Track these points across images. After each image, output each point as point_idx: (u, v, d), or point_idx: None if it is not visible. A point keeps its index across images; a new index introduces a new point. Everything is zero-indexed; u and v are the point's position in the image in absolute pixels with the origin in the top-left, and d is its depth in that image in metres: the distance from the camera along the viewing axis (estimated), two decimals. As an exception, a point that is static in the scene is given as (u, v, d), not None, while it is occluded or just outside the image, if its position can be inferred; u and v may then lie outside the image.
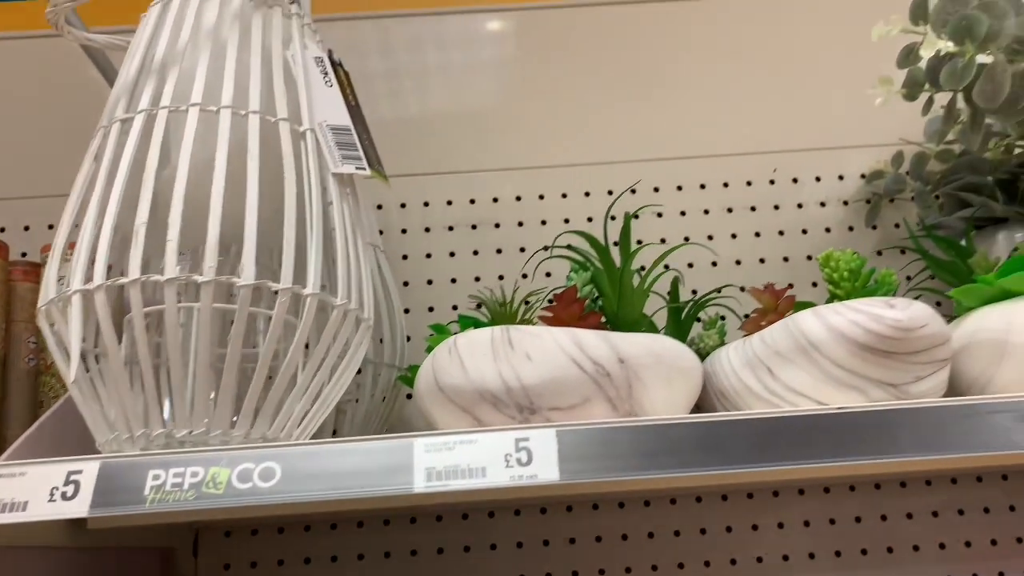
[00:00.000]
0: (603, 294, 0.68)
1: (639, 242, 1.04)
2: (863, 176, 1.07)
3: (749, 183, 1.08)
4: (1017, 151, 0.90)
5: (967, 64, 0.66)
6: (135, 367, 0.58)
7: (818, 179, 1.08)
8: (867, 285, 0.69)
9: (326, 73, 0.67)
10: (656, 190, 1.07)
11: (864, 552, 0.94)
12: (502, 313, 0.63)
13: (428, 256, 1.04)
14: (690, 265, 1.04)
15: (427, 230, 1.05)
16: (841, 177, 1.08)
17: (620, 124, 1.10)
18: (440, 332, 0.67)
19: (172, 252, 0.53)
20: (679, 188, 1.08)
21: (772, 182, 1.08)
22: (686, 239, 1.05)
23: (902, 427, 0.52)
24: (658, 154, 1.09)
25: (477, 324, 0.65)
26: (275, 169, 0.59)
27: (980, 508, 0.96)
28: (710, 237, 1.06)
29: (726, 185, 1.08)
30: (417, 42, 1.12)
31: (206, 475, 0.51)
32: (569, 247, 0.73)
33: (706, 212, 1.07)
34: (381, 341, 0.81)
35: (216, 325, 0.63)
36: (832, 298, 0.67)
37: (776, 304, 0.67)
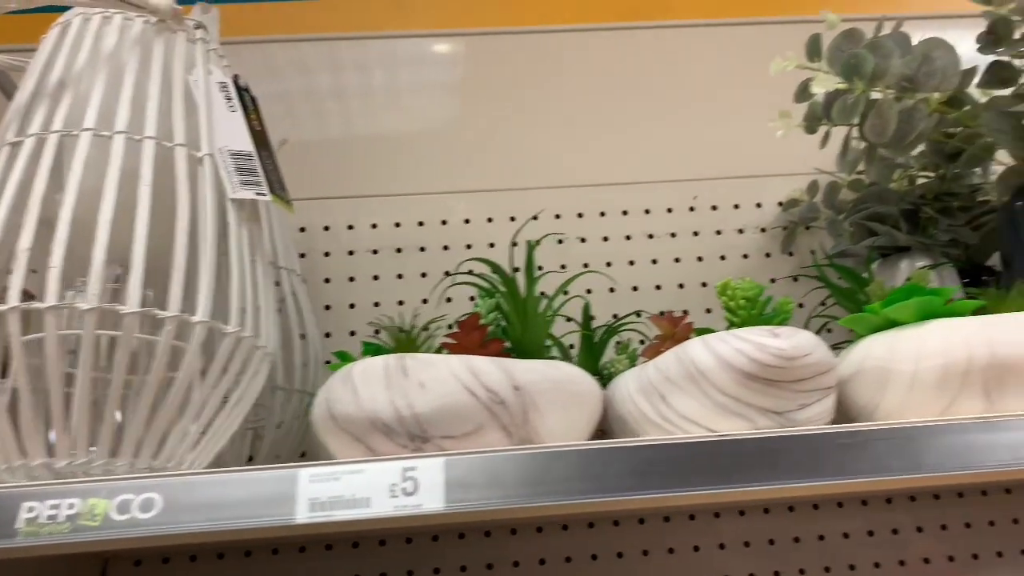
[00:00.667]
0: (508, 320, 0.69)
1: (563, 267, 1.05)
2: (780, 204, 1.09)
3: (670, 210, 1.10)
4: (920, 182, 0.93)
5: (856, 100, 0.68)
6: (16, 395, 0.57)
7: (736, 207, 1.11)
8: (763, 313, 0.71)
9: (230, 98, 0.67)
10: (580, 216, 1.09)
11: (802, 572, 0.95)
12: (402, 340, 0.63)
13: (351, 279, 1.03)
14: (611, 290, 1.06)
15: (351, 253, 1.05)
16: (759, 205, 1.11)
17: (548, 150, 1.12)
18: (344, 359, 0.66)
19: (54, 279, 0.52)
20: (602, 214, 1.09)
21: (692, 209, 1.10)
22: (608, 264, 1.07)
23: (781, 454, 0.54)
24: (583, 180, 1.10)
25: (380, 351, 0.65)
26: (172, 195, 0.59)
27: (913, 528, 0.99)
28: (631, 263, 1.07)
29: (648, 212, 1.10)
30: (338, 65, 1.13)
31: (83, 507, 0.50)
32: (471, 272, 0.74)
33: (628, 238, 1.08)
34: (288, 366, 0.80)
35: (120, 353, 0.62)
36: (730, 326, 0.69)
37: (674, 331, 0.68)
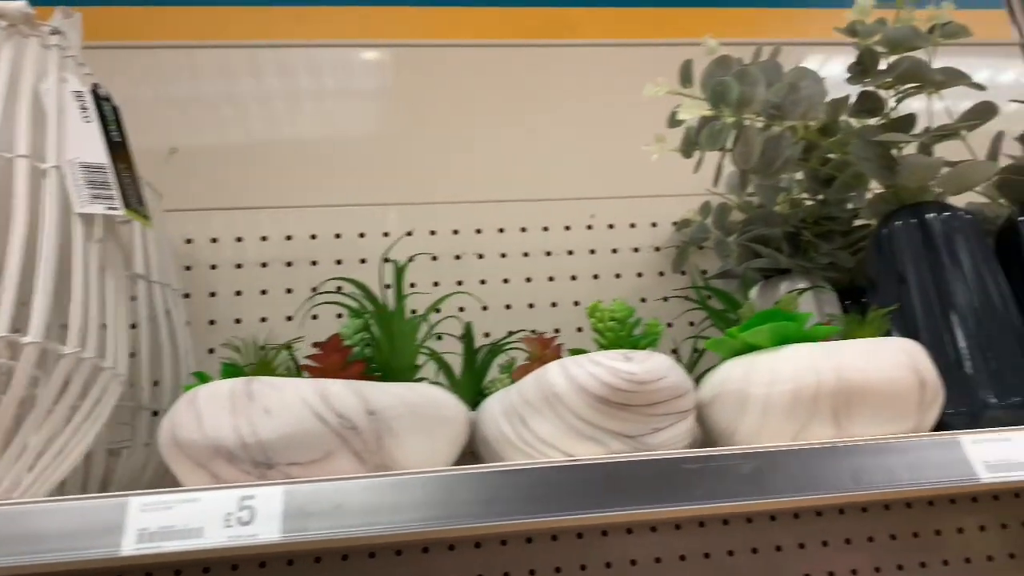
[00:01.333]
0: (376, 341, 0.68)
1: (459, 283, 1.05)
2: (675, 224, 1.11)
3: (568, 228, 1.10)
4: (805, 206, 0.95)
5: (722, 127, 0.70)
6: None
7: (633, 226, 1.12)
8: (632, 334, 0.71)
9: (85, 108, 0.64)
10: (478, 232, 1.08)
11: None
12: (258, 361, 0.62)
13: (238, 294, 1.01)
14: (508, 307, 1.05)
15: (239, 266, 1.02)
16: (654, 224, 1.12)
17: (446, 165, 1.11)
18: (202, 379, 0.64)
19: None
20: (501, 231, 1.09)
21: (590, 227, 1.11)
22: (505, 281, 1.07)
23: (628, 479, 0.54)
24: (482, 196, 1.10)
25: (237, 372, 0.63)
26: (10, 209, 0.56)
27: (842, 539, 1.01)
28: (528, 280, 1.07)
29: (546, 229, 1.10)
30: (230, 72, 1.10)
31: None
32: (339, 290, 0.72)
33: (526, 255, 1.08)
34: (157, 384, 0.77)
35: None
36: (599, 348, 0.69)
37: (544, 352, 0.68)
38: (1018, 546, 1.06)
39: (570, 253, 1.09)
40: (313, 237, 1.05)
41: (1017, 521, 1.08)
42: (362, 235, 1.06)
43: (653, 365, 0.58)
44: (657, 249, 1.11)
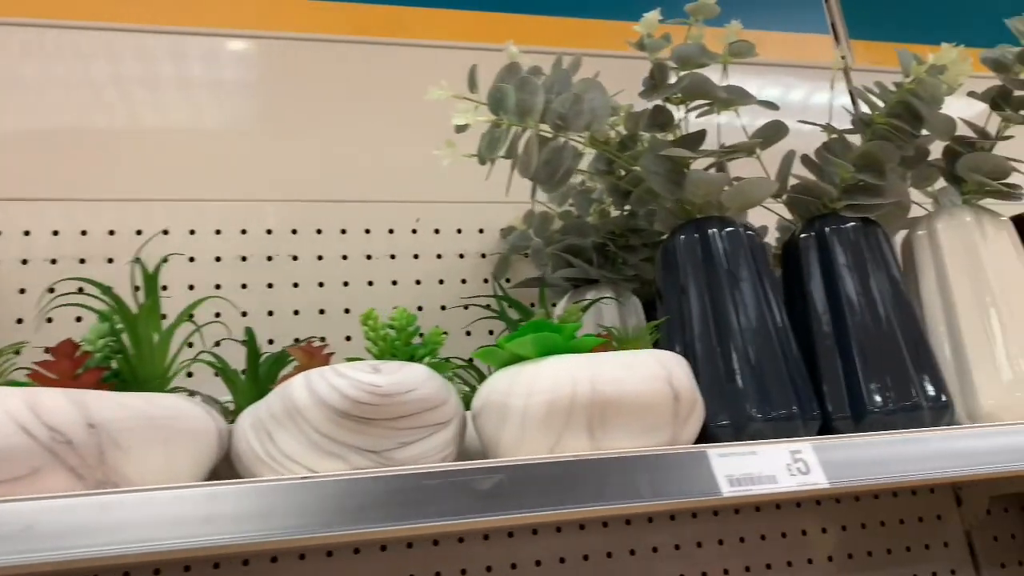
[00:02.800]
0: (123, 348, 0.63)
1: (270, 285, 1.00)
2: (502, 231, 1.10)
3: (392, 231, 1.08)
4: (614, 216, 0.96)
5: (500, 135, 0.69)
6: None
7: (459, 231, 1.10)
8: (410, 343, 0.69)
9: None
10: (294, 232, 1.04)
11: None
12: (-25, 369, 0.56)
13: (22, 291, 0.93)
14: (321, 311, 1.02)
15: (24, 262, 0.94)
16: (481, 231, 1.11)
17: (266, 162, 1.06)
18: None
19: None
20: (319, 232, 1.05)
21: (415, 232, 1.09)
22: (320, 284, 1.03)
23: (362, 495, 0.52)
24: (301, 195, 1.06)
25: (-44, 380, 0.57)
26: None
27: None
28: (345, 283, 1.04)
29: (368, 232, 1.07)
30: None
31: None
32: (80, 291, 0.67)
33: (344, 258, 1.05)
34: None
35: None
36: (373, 357, 0.67)
37: (310, 362, 0.65)
38: (856, 547, 1.11)
39: (392, 257, 1.07)
40: (111, 233, 0.98)
41: (857, 523, 1.13)
42: (166, 232, 1.00)
43: (401, 377, 0.56)
44: (483, 256, 1.10)
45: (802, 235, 0.81)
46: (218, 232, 1.02)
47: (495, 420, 0.62)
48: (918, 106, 0.77)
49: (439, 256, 1.09)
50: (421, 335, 0.70)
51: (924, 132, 0.85)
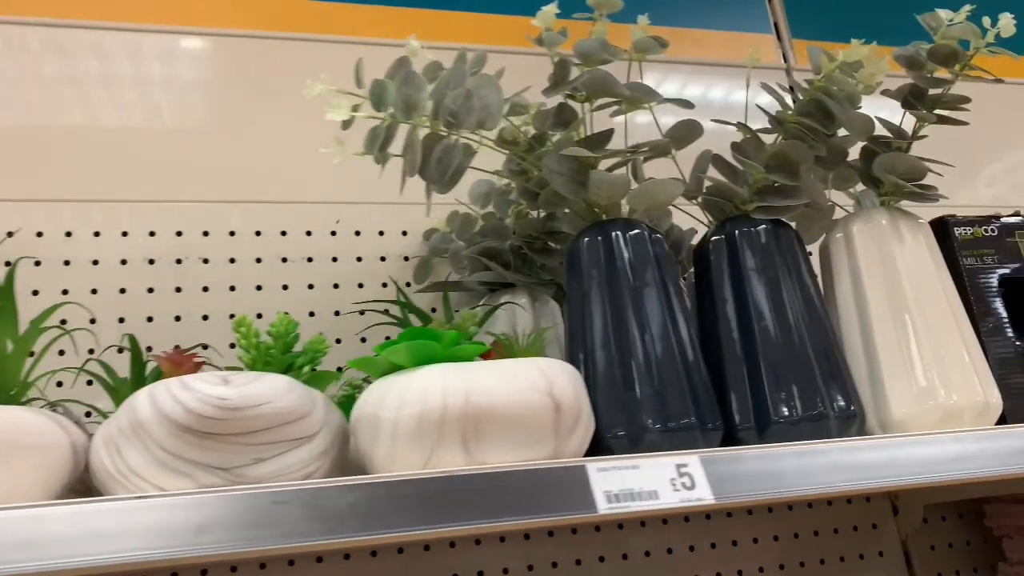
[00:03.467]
0: (-28, 357, 0.59)
1: (178, 289, 0.96)
2: (424, 233, 1.07)
3: (309, 233, 1.04)
4: (532, 218, 0.93)
5: (381, 131, 0.66)
6: None
7: (381, 233, 1.07)
8: (289, 351, 0.66)
9: None
10: (206, 234, 1.00)
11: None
12: None
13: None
14: (231, 316, 0.98)
15: (-77, 266, 0.90)
16: (405, 232, 1.08)
17: (180, 160, 1.03)
18: None
19: None
20: (231, 234, 1.01)
21: (334, 233, 1.05)
22: (232, 288, 0.99)
23: (213, 516, 0.48)
24: (215, 196, 1.02)
25: None
26: None
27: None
28: (259, 287, 1.00)
29: (284, 234, 1.03)
30: None
31: None
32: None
33: (259, 261, 1.01)
34: None
35: None
36: (246, 366, 0.64)
37: (176, 371, 0.61)
38: (788, 558, 1.08)
39: (309, 260, 1.03)
40: (39, 235, 0.94)
41: (789, 533, 1.10)
42: (97, 234, 0.96)
43: (254, 389, 0.53)
44: (406, 259, 1.07)
45: (712, 238, 0.78)
46: (124, 235, 0.98)
47: (368, 434, 0.59)
48: (829, 104, 0.74)
49: (359, 259, 1.05)
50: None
51: (842, 132, 0.82)
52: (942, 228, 0.84)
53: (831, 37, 1.42)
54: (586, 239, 0.74)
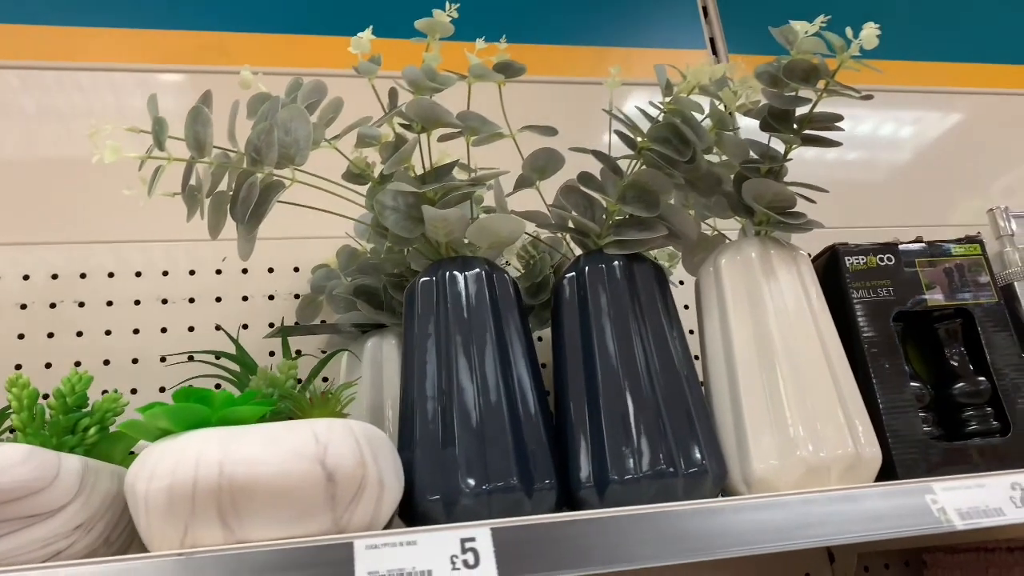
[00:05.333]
0: None
1: (50, 335, 0.93)
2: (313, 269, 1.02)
3: (193, 272, 1.00)
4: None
5: (162, 169, 0.61)
6: None
7: (271, 270, 1.03)
8: (75, 410, 0.61)
9: None
10: (83, 276, 0.97)
11: None
12: None
13: None
14: (106, 362, 0.94)
15: None
16: (296, 269, 1.03)
17: (54, 198, 0.99)
18: None
19: None
20: (111, 275, 0.98)
21: (219, 272, 1.01)
22: (107, 332, 0.95)
23: None
24: (91, 236, 0.98)
25: None
26: None
27: None
28: (136, 331, 0.96)
29: (166, 274, 0.99)
30: None
31: None
32: None
33: (137, 303, 0.97)
34: None
35: None
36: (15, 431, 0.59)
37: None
38: None
39: (191, 301, 0.99)
40: None
41: None
42: None
43: (-28, 463, 0.48)
44: (297, 296, 1.02)
45: (566, 275, 0.72)
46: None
47: (132, 507, 0.54)
48: (682, 128, 0.68)
49: (245, 298, 1.01)
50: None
51: (721, 156, 0.76)
52: (832, 258, 0.77)
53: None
54: (422, 279, 0.69)
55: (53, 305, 0.95)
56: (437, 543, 0.51)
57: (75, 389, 0.60)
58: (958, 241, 0.79)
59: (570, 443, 0.65)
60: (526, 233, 0.89)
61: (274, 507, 0.52)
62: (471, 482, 0.60)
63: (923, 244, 0.78)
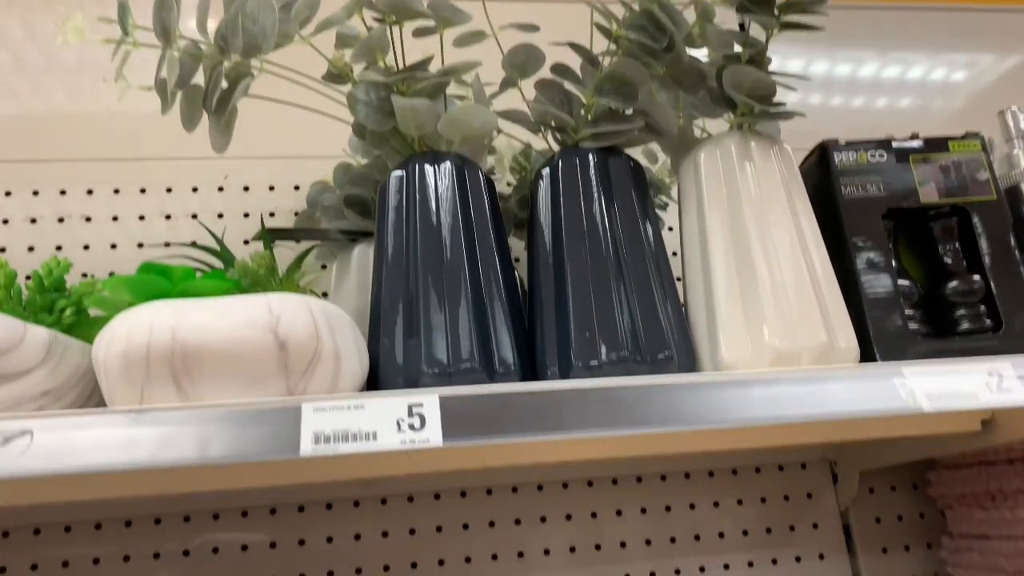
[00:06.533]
0: None
1: (31, 248, 0.96)
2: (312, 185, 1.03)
3: (195, 189, 1.02)
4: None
5: (125, 55, 0.62)
6: None
7: (272, 188, 1.04)
8: (52, 291, 0.63)
9: None
10: (90, 192, 0.99)
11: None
12: None
13: None
14: (111, 274, 0.97)
15: None
16: (297, 187, 1.05)
17: (57, 116, 1.02)
18: None
19: None
20: (116, 191, 1.00)
21: (221, 189, 1.03)
22: (113, 246, 0.98)
23: None
24: (96, 154, 1.01)
25: None
26: None
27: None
28: (140, 245, 0.99)
29: (169, 191, 1.01)
30: None
31: None
32: None
33: (141, 218, 1.00)
34: None
35: None
36: (-3, 308, 0.61)
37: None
38: (705, 529, 1.01)
39: (194, 217, 1.01)
40: None
41: (709, 501, 1.03)
42: None
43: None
44: (296, 214, 1.03)
45: (542, 171, 0.71)
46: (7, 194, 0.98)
47: (98, 377, 0.56)
48: (659, 15, 0.66)
49: (246, 215, 1.02)
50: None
51: (707, 50, 0.74)
52: (822, 155, 0.74)
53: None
54: (394, 174, 0.69)
55: (61, 220, 0.98)
56: (385, 408, 0.52)
57: (52, 272, 0.62)
58: (956, 137, 0.75)
59: (536, 330, 0.65)
60: (519, 142, 0.88)
61: (226, 373, 0.53)
62: (433, 366, 0.60)
63: (919, 141, 0.75)
